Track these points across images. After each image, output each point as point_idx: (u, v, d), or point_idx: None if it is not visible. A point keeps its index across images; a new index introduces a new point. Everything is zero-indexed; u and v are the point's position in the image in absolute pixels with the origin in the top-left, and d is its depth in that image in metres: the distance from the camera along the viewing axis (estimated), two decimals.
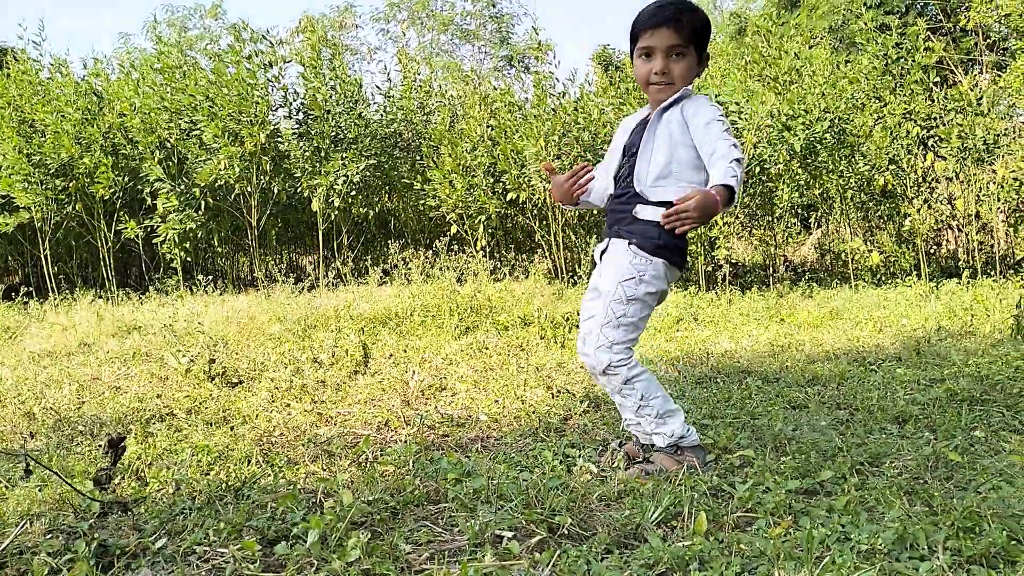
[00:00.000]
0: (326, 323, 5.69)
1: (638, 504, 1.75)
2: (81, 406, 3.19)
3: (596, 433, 2.59)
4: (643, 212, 2.13)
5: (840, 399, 3.12)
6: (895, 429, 2.54)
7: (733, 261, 11.33)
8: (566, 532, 1.62)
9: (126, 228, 7.74)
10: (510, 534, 1.59)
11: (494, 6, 26.54)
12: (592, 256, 2.38)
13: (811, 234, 12.99)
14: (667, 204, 2.05)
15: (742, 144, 7.35)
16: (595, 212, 8.10)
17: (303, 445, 2.37)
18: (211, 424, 2.79)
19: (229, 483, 1.84)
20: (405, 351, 4.50)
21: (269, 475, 1.98)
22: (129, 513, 1.67)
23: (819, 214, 10.41)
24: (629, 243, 2.13)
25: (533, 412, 2.92)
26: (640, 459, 2.20)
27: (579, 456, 2.21)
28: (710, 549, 1.46)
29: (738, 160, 2.03)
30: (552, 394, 3.33)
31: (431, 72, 26.39)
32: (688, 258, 8.36)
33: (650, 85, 2.15)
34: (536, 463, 2.15)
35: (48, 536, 1.52)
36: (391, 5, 28.08)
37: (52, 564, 1.39)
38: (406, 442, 2.49)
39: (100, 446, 1.97)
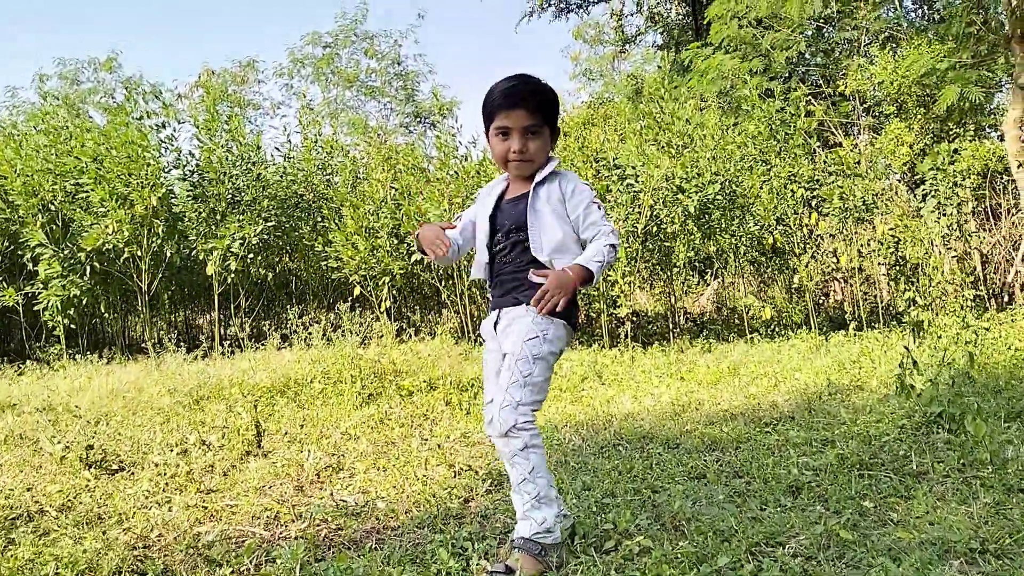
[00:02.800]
0: (220, 393, 5.45)
1: None
2: None
3: (496, 519, 2.53)
4: (537, 277, 2.20)
5: (738, 466, 3.17)
6: (789, 501, 2.59)
7: (636, 311, 11.60)
8: None
9: (3, 296, 7.26)
10: None
11: (399, 63, 26.77)
12: (480, 333, 2.35)
13: (708, 285, 13.46)
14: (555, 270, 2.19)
15: (640, 206, 7.57)
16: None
17: (182, 550, 2.21)
18: (83, 524, 2.58)
19: None
20: (303, 425, 4.33)
21: None
22: None
23: (715, 267, 10.78)
24: (527, 305, 2.19)
25: (433, 496, 2.83)
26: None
27: (474, 552, 2.14)
28: None
29: (614, 246, 2.20)
30: (455, 472, 3.25)
31: (335, 129, 26.32)
32: (588, 315, 8.41)
33: (509, 162, 2.25)
34: (431, 560, 2.07)
35: None
36: (295, 61, 27.91)
37: None
38: (296, 539, 2.36)
39: None
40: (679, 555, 2.01)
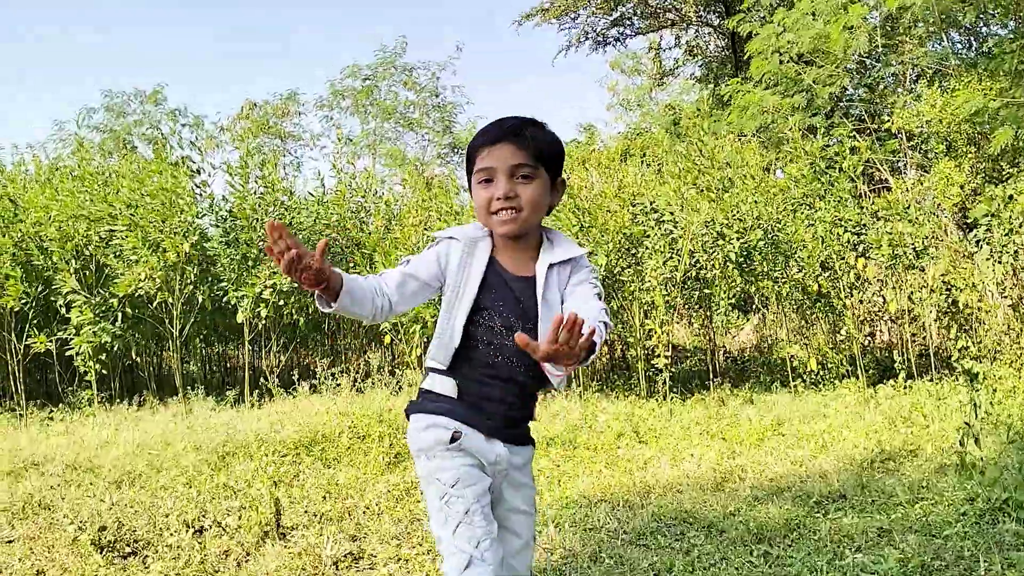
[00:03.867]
0: (246, 450, 5.33)
1: None
2: None
3: None
4: (534, 401, 1.87)
5: (787, 566, 2.92)
6: None
7: (673, 344, 11.33)
8: None
9: (35, 342, 7.27)
10: None
11: (437, 95, 26.94)
12: (479, 456, 1.75)
13: (748, 321, 13.13)
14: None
15: (679, 251, 7.35)
16: None
17: None
18: None
19: None
20: (326, 496, 4.16)
21: None
22: None
23: (757, 303, 10.50)
24: (533, 445, 1.88)
25: None
26: None
27: None
28: None
29: (607, 324, 1.75)
30: None
31: (374, 160, 26.50)
32: (625, 362, 8.13)
33: (492, 215, 1.75)
34: None
35: None
36: (335, 93, 28.26)
37: None
38: None
39: None
40: None
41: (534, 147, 1.75)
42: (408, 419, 1.82)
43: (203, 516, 3.68)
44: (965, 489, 3.79)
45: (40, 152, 24.55)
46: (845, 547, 3.08)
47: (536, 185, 1.75)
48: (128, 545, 3.34)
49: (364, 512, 3.86)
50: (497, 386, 1.76)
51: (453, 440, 1.71)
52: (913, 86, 11.28)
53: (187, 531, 3.48)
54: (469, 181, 1.84)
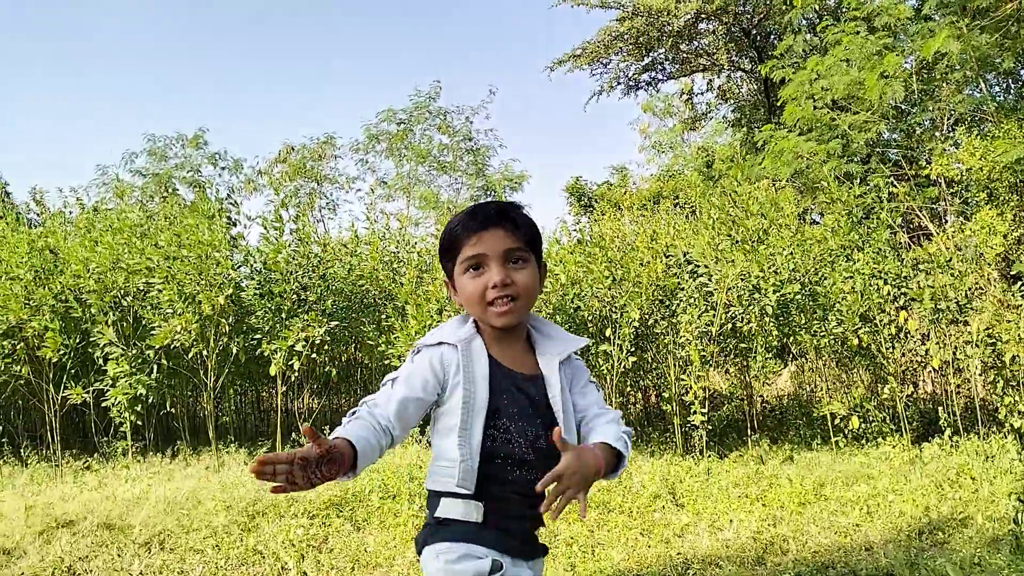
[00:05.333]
0: (276, 510, 5.29)
1: None
2: None
3: None
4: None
5: None
6: None
7: (709, 389, 11.12)
8: None
9: (72, 394, 7.35)
10: None
11: (470, 139, 27.25)
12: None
13: (785, 367, 12.86)
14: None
15: (714, 304, 7.24)
16: None
17: None
18: None
19: None
20: (354, 567, 4.09)
21: None
22: None
23: (794, 351, 10.29)
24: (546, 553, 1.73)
25: None
26: None
27: None
28: None
29: (628, 434, 1.68)
30: None
31: (408, 201, 26.74)
32: (661, 417, 7.98)
33: (489, 306, 1.63)
34: None
35: None
36: (370, 137, 28.74)
37: None
38: None
39: None
40: None
41: (524, 231, 1.67)
42: (423, 551, 1.65)
43: None
44: (1020, 570, 3.60)
45: (84, 196, 25.24)
46: None
47: (530, 270, 1.67)
48: None
49: None
50: (516, 501, 1.63)
51: (493, 572, 1.57)
52: (951, 132, 11.12)
53: None
54: (448, 271, 1.72)
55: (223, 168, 25.46)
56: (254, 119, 42.65)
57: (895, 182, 11.82)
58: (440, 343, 1.64)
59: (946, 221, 11.18)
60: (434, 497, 1.66)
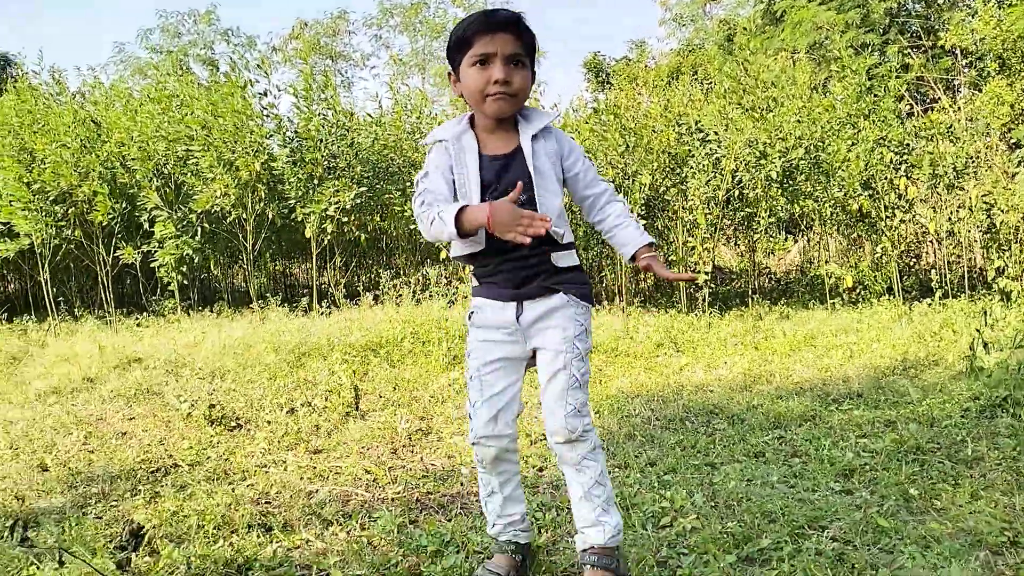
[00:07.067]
0: (319, 351, 5.90)
1: None
2: (90, 457, 3.42)
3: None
4: (563, 260, 1.98)
5: (797, 445, 3.37)
6: (839, 484, 2.79)
7: (718, 266, 11.62)
8: None
9: (124, 253, 7.95)
10: None
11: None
12: (474, 320, 2.03)
13: (796, 243, 13.28)
14: (568, 246, 1.98)
15: (722, 171, 7.61)
16: None
17: (299, 508, 2.60)
18: (213, 480, 3.02)
19: (234, 558, 2.08)
20: (395, 387, 4.73)
21: (268, 547, 2.22)
22: None
23: (803, 225, 10.68)
24: (566, 295, 1.97)
25: None
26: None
27: (545, 522, 2.45)
28: None
29: (624, 203, 2.06)
30: (531, 441, 3.57)
31: (423, 80, 26.50)
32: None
33: (487, 97, 1.89)
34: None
35: None
36: (384, 11, 28.26)
37: None
38: (393, 500, 2.73)
39: (121, 532, 2.20)
40: (725, 534, 2.27)
41: (527, 38, 1.91)
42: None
43: (293, 399, 4.26)
44: (972, 390, 4.16)
45: (102, 74, 25.26)
46: (850, 432, 3.52)
47: (527, 74, 1.93)
48: (233, 421, 3.94)
49: (429, 400, 4.41)
50: (509, 256, 1.94)
51: (470, 317, 2.04)
52: (970, 1, 11.04)
53: (281, 411, 4.07)
54: (455, 63, 1.95)
55: (236, 45, 25.21)
56: None
57: (911, 53, 11.82)
58: (440, 140, 1.99)
59: (959, 93, 11.28)
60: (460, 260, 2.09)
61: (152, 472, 3.18)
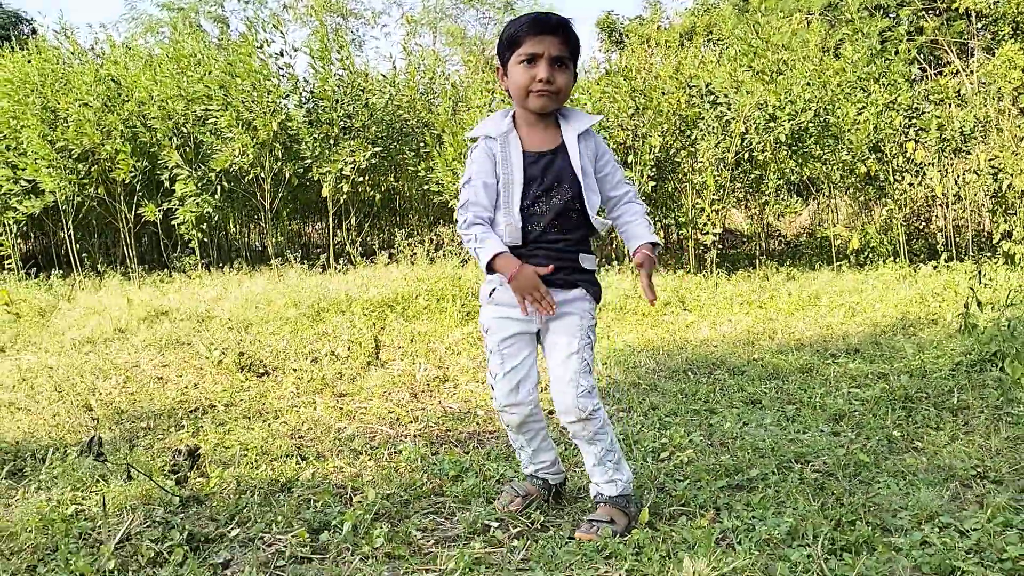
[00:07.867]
0: (338, 307, 6.13)
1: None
2: (132, 398, 3.67)
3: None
4: (587, 262, 2.15)
5: (792, 394, 3.59)
6: (828, 428, 3.01)
7: (729, 229, 11.75)
8: (539, 525, 2.10)
9: (146, 211, 8.17)
10: (496, 524, 2.07)
11: None
12: (494, 298, 2.16)
13: (806, 207, 13.39)
14: (591, 251, 2.15)
15: (731, 134, 7.73)
16: None
17: (329, 441, 2.84)
18: (248, 418, 3.26)
19: (277, 479, 2.32)
20: (412, 340, 4.96)
21: (307, 471, 2.47)
22: (203, 506, 2.15)
23: (814, 188, 10.80)
24: (585, 292, 2.13)
25: None
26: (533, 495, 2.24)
27: (569, 459, 2.68)
28: (647, 538, 1.93)
29: (645, 207, 2.21)
30: (542, 387, 3.79)
31: (435, 39, 26.36)
32: (676, 239, 8.66)
33: (531, 93, 2.04)
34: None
35: (147, 526, 1.99)
36: None
37: (155, 548, 1.87)
38: (415, 436, 2.96)
39: (177, 451, 2.44)
40: (718, 466, 2.50)
41: (572, 43, 2.07)
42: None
43: (316, 350, 4.50)
44: (964, 346, 4.35)
45: (113, 32, 25.26)
46: (843, 383, 3.73)
47: (570, 75, 2.09)
48: (261, 368, 4.18)
49: (445, 351, 4.64)
50: (543, 246, 2.09)
51: (490, 295, 2.15)
52: None
53: (305, 360, 4.31)
54: (505, 60, 2.10)
55: (247, 2, 25.05)
56: None
57: (926, 16, 11.79)
58: (488, 136, 2.10)
59: (972, 57, 11.27)
60: None
61: (191, 411, 3.43)
